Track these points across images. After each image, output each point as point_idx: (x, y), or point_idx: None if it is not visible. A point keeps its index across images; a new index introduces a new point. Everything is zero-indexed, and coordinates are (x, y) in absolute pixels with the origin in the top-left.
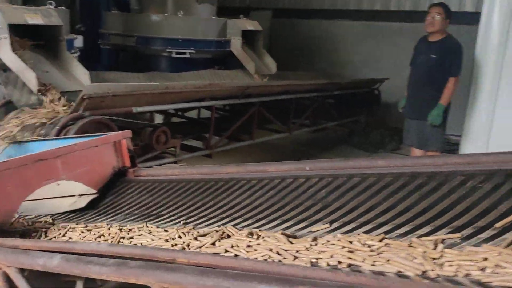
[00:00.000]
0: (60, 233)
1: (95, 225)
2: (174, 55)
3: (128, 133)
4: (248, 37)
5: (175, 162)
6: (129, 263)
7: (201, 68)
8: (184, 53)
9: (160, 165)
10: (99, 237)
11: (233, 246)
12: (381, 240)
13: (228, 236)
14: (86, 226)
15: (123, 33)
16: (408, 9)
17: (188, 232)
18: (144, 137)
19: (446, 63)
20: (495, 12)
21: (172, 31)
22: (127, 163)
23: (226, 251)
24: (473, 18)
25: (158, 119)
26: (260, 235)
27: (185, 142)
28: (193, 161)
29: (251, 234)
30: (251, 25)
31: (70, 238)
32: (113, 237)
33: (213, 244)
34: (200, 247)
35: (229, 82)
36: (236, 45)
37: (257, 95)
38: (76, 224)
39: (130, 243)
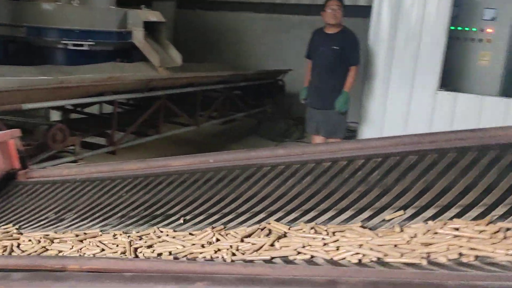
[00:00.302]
0: (43, 246)
1: (85, 233)
2: (70, 47)
3: (16, 132)
4: (151, 29)
5: (75, 161)
6: (13, 276)
7: (102, 61)
8: (82, 45)
9: (57, 165)
10: (102, 250)
11: (305, 246)
12: (487, 224)
13: (284, 235)
14: (77, 236)
15: (11, 23)
16: (307, 2)
17: (227, 234)
18: (38, 136)
19: (346, 53)
20: (384, 5)
21: (67, 21)
22: (17, 165)
23: (299, 253)
24: (366, 12)
25: (56, 116)
26: (326, 230)
27: (86, 139)
28: (96, 159)
29: (312, 229)
30: (153, 16)
31: (60, 251)
32: (124, 247)
33: (272, 245)
34: (257, 250)
35: (131, 75)
36: (138, 37)
37: (162, 88)
38: (55, 232)
39: (153, 252)
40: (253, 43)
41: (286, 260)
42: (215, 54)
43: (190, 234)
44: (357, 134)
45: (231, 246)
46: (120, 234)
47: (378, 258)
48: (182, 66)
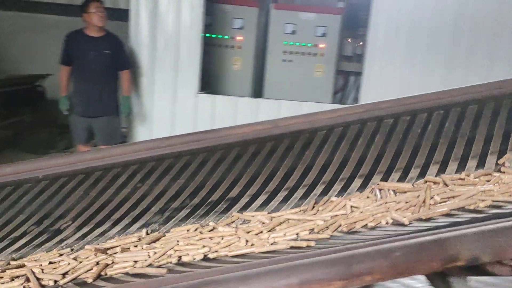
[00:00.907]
0: (97, 262)
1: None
2: None
3: None
4: None
5: None
6: None
7: None
8: None
9: None
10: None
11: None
12: None
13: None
14: (140, 239)
15: None
16: (63, 2)
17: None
18: None
19: (117, 57)
20: (142, 11)
21: None
22: None
23: (482, 200)
24: (126, 15)
25: None
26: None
27: None
28: None
29: (443, 184)
30: None
31: (136, 262)
32: (238, 238)
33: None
34: (421, 206)
35: None
36: None
37: None
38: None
39: (285, 235)
40: (2, 45)
41: None
42: None
43: (301, 210)
44: (128, 138)
45: (387, 209)
46: (198, 228)
47: None
48: None
